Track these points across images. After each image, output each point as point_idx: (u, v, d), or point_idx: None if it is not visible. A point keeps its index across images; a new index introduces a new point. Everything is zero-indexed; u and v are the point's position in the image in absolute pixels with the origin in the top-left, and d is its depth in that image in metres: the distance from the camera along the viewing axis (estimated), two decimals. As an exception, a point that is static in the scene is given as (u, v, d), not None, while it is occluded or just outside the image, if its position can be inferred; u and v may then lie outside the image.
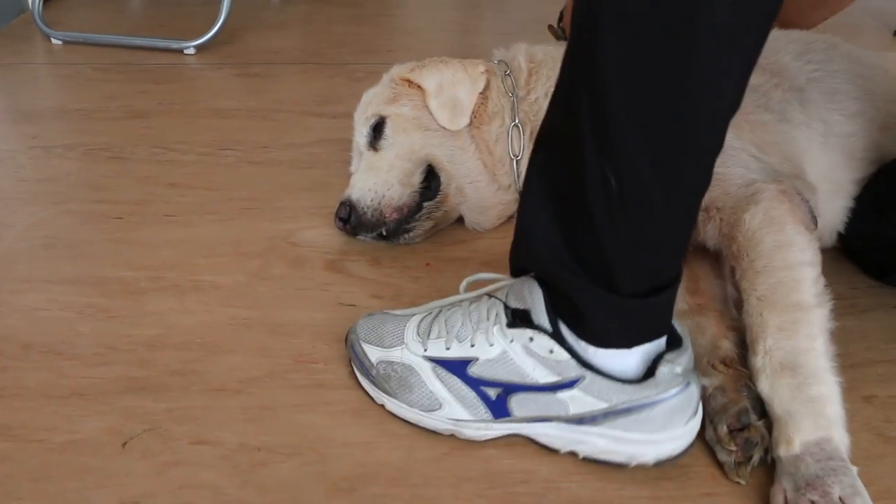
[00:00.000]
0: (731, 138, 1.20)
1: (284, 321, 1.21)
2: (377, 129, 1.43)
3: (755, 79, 1.22)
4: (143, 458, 0.96)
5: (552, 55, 1.47)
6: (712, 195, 1.14)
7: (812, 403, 0.93)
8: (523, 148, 1.44)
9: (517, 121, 1.44)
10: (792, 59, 1.37)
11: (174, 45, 2.41)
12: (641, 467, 0.95)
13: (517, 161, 1.44)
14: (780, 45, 1.40)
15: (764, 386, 0.97)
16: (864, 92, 1.36)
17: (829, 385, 0.94)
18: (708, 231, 1.17)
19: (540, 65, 1.47)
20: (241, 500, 0.91)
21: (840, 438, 0.91)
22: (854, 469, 0.89)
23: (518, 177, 1.44)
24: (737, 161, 1.18)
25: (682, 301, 1.16)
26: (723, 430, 0.97)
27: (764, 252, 1.05)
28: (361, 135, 1.45)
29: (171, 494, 0.91)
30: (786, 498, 0.89)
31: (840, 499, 0.86)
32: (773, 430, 0.95)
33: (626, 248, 0.86)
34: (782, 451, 0.92)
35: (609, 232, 0.85)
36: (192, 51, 2.40)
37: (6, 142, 1.82)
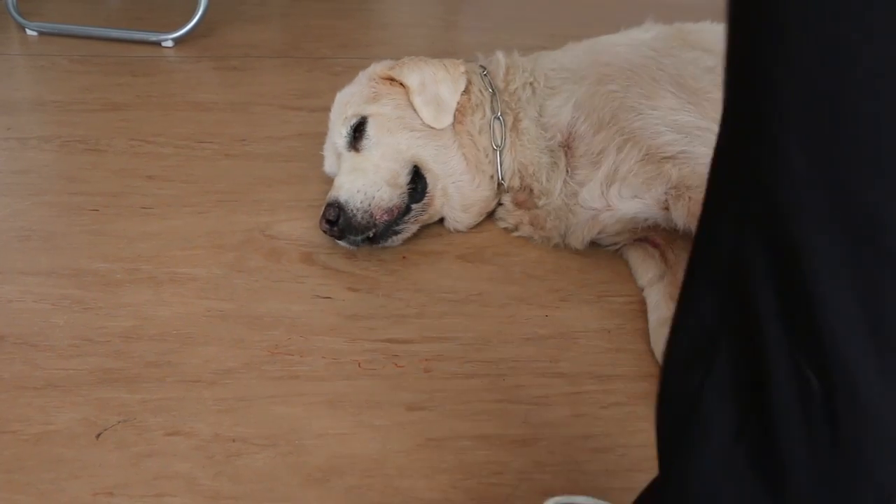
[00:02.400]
0: (695, 119, 1.21)
1: (260, 313, 1.21)
2: (358, 130, 1.40)
3: (713, 61, 1.22)
4: (117, 449, 0.96)
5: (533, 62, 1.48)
6: (682, 173, 1.15)
7: None
8: (504, 138, 1.43)
9: (498, 113, 1.43)
10: None
11: (152, 37, 2.40)
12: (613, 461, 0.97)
13: (500, 151, 1.43)
14: None
15: None
16: None
17: None
18: (678, 209, 1.16)
19: (519, 66, 1.47)
20: (216, 491, 0.91)
21: None
22: None
23: (499, 166, 1.43)
24: (703, 140, 1.18)
25: (665, 310, 1.16)
26: None
27: None
28: (340, 135, 1.42)
29: (146, 485, 0.92)
30: None
31: None
32: None
33: (830, 479, 0.55)
34: None
35: (802, 456, 0.55)
36: (170, 43, 2.39)
37: (-19, 133, 1.80)
